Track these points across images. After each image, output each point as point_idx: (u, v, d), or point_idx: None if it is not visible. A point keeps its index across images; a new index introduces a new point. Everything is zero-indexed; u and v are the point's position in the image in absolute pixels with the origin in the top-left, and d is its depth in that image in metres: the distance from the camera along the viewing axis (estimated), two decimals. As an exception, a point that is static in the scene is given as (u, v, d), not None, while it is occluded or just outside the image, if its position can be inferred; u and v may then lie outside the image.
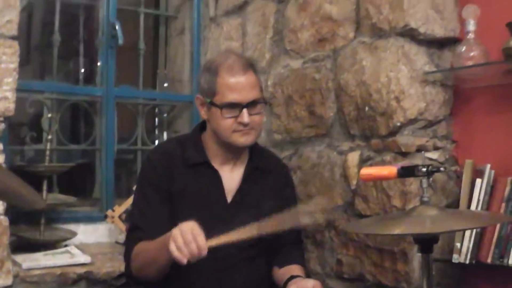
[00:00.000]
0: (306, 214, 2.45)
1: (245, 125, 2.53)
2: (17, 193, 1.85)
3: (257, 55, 3.66)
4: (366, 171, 2.25)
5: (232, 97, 2.52)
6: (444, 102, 2.84)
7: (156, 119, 4.61)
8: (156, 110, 4.57)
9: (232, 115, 2.53)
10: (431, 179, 2.07)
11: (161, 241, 2.30)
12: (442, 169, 2.10)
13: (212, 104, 2.58)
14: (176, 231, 2.17)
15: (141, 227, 2.55)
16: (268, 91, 3.51)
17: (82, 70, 4.41)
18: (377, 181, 2.78)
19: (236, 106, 2.53)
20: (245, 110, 2.52)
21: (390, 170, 2.17)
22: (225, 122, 2.55)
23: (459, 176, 2.75)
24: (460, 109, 2.85)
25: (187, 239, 2.14)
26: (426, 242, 2.01)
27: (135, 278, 2.58)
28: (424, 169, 2.05)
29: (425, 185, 2.06)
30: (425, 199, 2.05)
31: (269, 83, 3.53)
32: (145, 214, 2.59)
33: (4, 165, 2.75)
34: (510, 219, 2.42)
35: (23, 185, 1.84)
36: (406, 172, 2.13)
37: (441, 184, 2.76)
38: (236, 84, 2.53)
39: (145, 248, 2.47)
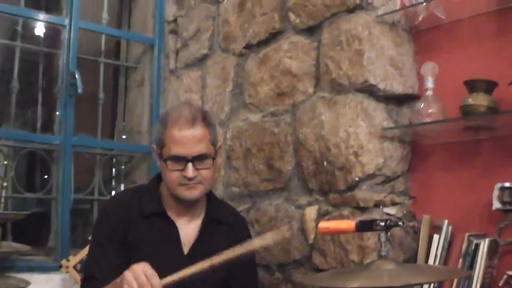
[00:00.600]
0: (257, 242, 2.41)
1: (189, 179, 2.50)
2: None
3: (216, 108, 3.67)
4: (324, 224, 2.24)
5: (176, 150, 2.48)
6: (402, 158, 2.86)
7: (114, 170, 4.57)
8: (114, 160, 4.54)
9: (176, 168, 2.50)
10: (389, 233, 2.07)
11: (114, 285, 2.28)
12: (400, 224, 2.11)
13: (160, 156, 2.56)
14: (129, 275, 2.15)
15: (96, 277, 2.50)
16: (226, 144, 3.51)
17: (40, 118, 4.37)
18: (335, 235, 2.78)
19: (180, 160, 2.49)
20: (189, 165, 2.48)
21: (349, 224, 2.15)
22: (171, 175, 2.52)
23: (416, 232, 2.77)
24: (418, 165, 2.88)
25: (142, 282, 2.11)
26: (384, 297, 2.01)
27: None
28: (382, 224, 2.04)
29: (383, 239, 2.05)
30: (383, 253, 2.03)
31: (228, 136, 3.54)
32: (99, 264, 2.54)
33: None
34: (467, 274, 2.43)
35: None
36: (364, 226, 2.12)
37: (399, 239, 2.77)
38: (181, 138, 2.49)
39: None
